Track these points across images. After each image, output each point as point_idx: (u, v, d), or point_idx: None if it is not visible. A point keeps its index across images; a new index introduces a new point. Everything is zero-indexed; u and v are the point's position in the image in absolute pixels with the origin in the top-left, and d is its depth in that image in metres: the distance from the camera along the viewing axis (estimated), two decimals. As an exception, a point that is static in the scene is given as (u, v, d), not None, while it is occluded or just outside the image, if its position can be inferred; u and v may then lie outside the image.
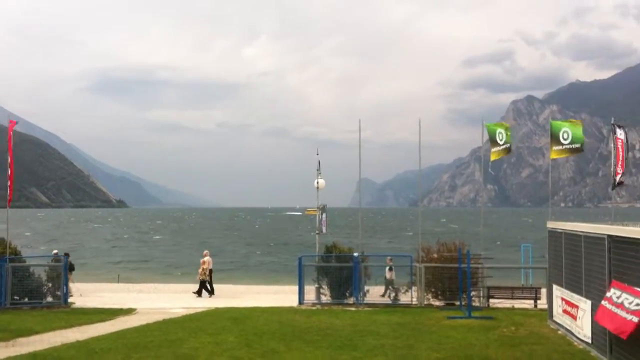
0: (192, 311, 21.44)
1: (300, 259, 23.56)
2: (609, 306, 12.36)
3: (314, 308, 22.02)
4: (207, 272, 26.41)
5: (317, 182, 25.46)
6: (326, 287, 23.14)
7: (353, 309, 21.73)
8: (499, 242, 76.93)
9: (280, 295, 26.21)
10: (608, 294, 12.59)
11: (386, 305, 22.14)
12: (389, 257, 25.03)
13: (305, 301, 22.87)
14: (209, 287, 26.46)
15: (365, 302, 22.39)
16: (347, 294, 22.87)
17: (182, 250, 71.73)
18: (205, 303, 23.87)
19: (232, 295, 26.99)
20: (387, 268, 23.52)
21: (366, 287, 22.91)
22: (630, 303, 11.55)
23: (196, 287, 26.62)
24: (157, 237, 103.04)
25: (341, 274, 22.78)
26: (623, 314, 11.66)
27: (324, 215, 25.70)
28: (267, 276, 43.55)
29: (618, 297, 12.04)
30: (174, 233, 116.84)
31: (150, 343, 15.48)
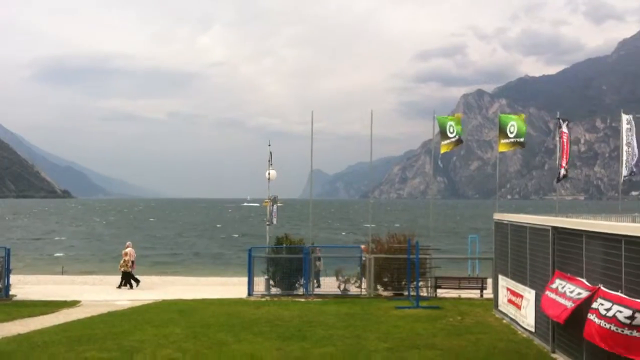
0: (137, 303, 21.07)
1: (250, 250, 23.40)
2: (552, 295, 12.62)
3: (263, 299, 21.90)
4: (130, 264, 25.93)
5: (269, 173, 25.29)
6: (276, 279, 23.05)
7: (302, 300, 21.70)
8: (447, 234, 78.10)
9: (229, 287, 26.00)
10: (553, 285, 12.84)
11: (336, 296, 22.18)
12: (317, 247, 24.82)
13: (254, 292, 22.73)
14: (132, 279, 26.02)
15: (315, 293, 22.38)
16: (297, 285, 22.83)
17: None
18: (140, 295, 23.48)
19: (180, 287, 26.66)
20: (316, 258, 23.34)
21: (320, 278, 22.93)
22: (571, 292, 11.81)
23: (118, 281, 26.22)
24: (103, 228, 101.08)
25: (291, 265, 22.72)
26: (562, 300, 11.94)
27: (274, 206, 25.57)
28: (216, 268, 43.15)
29: (562, 287, 12.29)
30: (121, 223, 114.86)
31: (94, 336, 15.13)
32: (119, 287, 25.71)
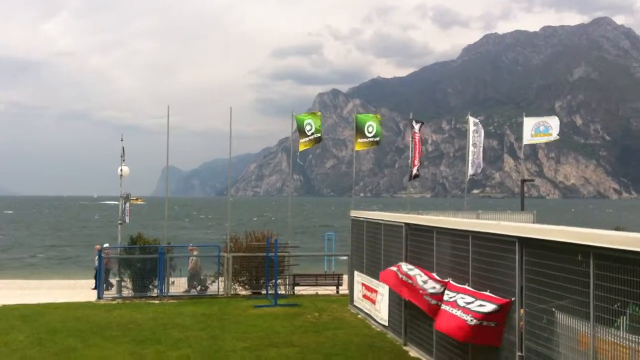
0: (-27, 311, 19.30)
1: (100, 250, 22.25)
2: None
3: (114, 302, 20.89)
4: None
5: (121, 170, 24.19)
6: (128, 280, 22.09)
7: (157, 301, 20.95)
8: (304, 231, 79.23)
9: (77, 290, 24.58)
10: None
11: (192, 297, 21.65)
12: (191, 245, 24.19)
13: (105, 295, 21.65)
14: None
15: (170, 294, 21.71)
16: (151, 287, 22.02)
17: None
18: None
19: (21, 292, 24.78)
20: (190, 258, 22.79)
21: (171, 279, 22.23)
22: (425, 283, 12.25)
23: None
24: None
25: (145, 265, 21.86)
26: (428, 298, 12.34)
27: (127, 204, 24.52)
28: (63, 270, 40.71)
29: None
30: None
31: None
32: None
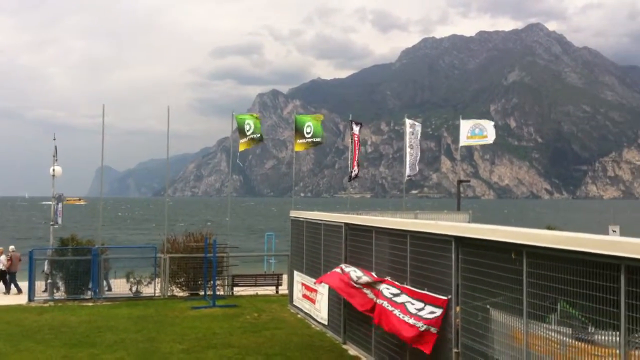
0: None
1: (31, 252, 21.49)
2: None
3: (46, 305, 20.23)
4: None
5: (54, 170, 23.44)
6: (61, 282, 21.43)
7: (91, 304, 20.41)
8: (244, 231, 78.74)
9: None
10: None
11: (127, 299, 21.18)
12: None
13: (36, 298, 20.95)
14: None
15: (104, 296, 21.18)
16: (85, 289, 21.42)
17: None
18: None
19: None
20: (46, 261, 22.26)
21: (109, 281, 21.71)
22: (359, 277, 12.34)
23: None
24: None
25: (78, 267, 21.25)
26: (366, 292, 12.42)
27: (59, 205, 23.78)
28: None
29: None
30: None
31: None
32: None
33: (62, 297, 21.11)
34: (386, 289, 10.99)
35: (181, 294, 22.14)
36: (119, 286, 21.81)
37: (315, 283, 15.30)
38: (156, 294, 21.58)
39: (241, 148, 23.57)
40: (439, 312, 9.57)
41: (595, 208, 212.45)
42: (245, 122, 23.25)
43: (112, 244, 34.86)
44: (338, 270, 13.11)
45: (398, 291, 10.68)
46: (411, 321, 9.88)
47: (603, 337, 6.47)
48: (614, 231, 26.93)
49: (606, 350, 6.41)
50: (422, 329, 9.58)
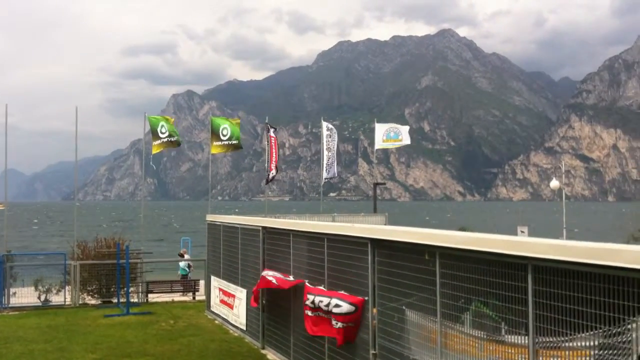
0: None
1: None
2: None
3: (-54, 317, 19.08)
4: None
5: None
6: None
7: (-4, 314, 19.42)
8: (158, 236, 77.11)
9: None
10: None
11: (36, 308, 20.27)
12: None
13: None
14: None
15: (10, 305, 20.18)
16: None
17: None
18: None
19: None
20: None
21: (12, 290, 20.67)
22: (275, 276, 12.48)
23: None
24: None
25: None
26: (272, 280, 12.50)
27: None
28: None
29: (269, 275, 12.77)
30: None
31: None
32: None
33: (-37, 309, 19.98)
34: (308, 299, 11.00)
35: (93, 301, 21.41)
36: (27, 295, 20.83)
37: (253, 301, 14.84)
38: (66, 303, 20.77)
39: (155, 150, 23.07)
40: (353, 309, 9.69)
41: (505, 210, 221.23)
42: (160, 124, 22.77)
43: (20, 250, 33.29)
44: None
45: (313, 296, 10.72)
46: (321, 315, 10.08)
47: (514, 336, 6.70)
48: (522, 232, 28.08)
49: (517, 348, 6.64)
50: (338, 325, 9.74)
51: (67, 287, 21.01)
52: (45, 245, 63.58)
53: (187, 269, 24.19)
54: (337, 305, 9.87)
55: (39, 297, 20.88)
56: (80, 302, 21.11)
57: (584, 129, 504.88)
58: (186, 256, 23.59)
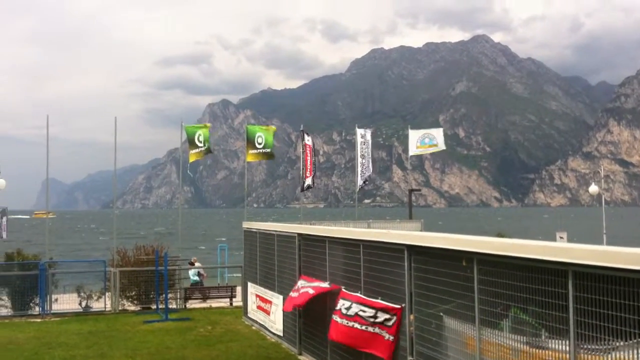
0: None
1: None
2: (294, 294, 13.10)
3: (-9, 323, 19.58)
4: None
5: (-3, 182, 22.79)
6: (6, 299, 20.78)
7: (39, 320, 19.86)
8: (196, 243, 77.84)
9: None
10: (296, 286, 13.35)
11: (77, 314, 20.67)
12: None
13: (-20, 316, 20.26)
14: None
15: (52, 312, 20.62)
16: (32, 305, 20.83)
17: None
18: None
19: None
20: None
21: (54, 296, 21.14)
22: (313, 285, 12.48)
23: None
24: None
25: (24, 283, 20.65)
26: (305, 291, 12.52)
27: (4, 219, 23.11)
28: None
29: (305, 285, 12.82)
30: None
31: None
32: None
33: (8, 314, 20.47)
34: (342, 305, 10.99)
35: (133, 308, 21.75)
36: (68, 301, 21.27)
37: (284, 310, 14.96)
38: (107, 309, 21.14)
39: (191, 159, 23.38)
40: (393, 319, 9.66)
41: (543, 215, 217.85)
42: (196, 133, 23.10)
43: (62, 257, 33.99)
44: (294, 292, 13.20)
45: (350, 303, 10.71)
46: (357, 326, 9.97)
47: (554, 343, 6.63)
48: (561, 237, 27.69)
49: (557, 355, 6.57)
50: (373, 331, 9.70)
51: (107, 294, 21.39)
52: (86, 253, 64.75)
53: (197, 277, 24.26)
54: (372, 316, 9.87)
55: (80, 304, 21.29)
56: (120, 308, 21.46)
57: (623, 133, 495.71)
58: (197, 264, 23.71)
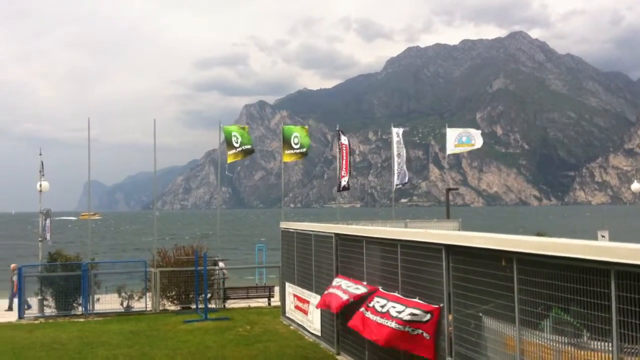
0: None
1: (20, 269, 21.36)
2: (332, 290, 13.08)
3: (36, 322, 20.09)
4: None
5: (40, 185, 23.33)
6: (50, 298, 21.30)
7: (82, 319, 20.30)
8: (234, 243, 78.48)
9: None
10: (334, 283, 13.36)
11: (118, 314, 21.06)
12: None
13: (26, 315, 20.79)
14: None
15: (95, 311, 21.05)
16: (75, 305, 21.29)
17: None
18: None
19: None
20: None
21: (96, 296, 21.57)
22: (349, 287, 12.42)
23: None
24: None
25: (68, 283, 21.12)
26: (340, 294, 12.47)
27: (48, 220, 23.64)
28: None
29: (344, 285, 12.81)
30: None
31: None
32: None
33: (53, 314, 20.97)
34: (377, 302, 10.96)
35: (173, 307, 22.06)
36: (110, 301, 21.68)
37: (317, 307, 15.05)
38: (147, 309, 21.49)
39: (230, 160, 23.55)
40: (427, 317, 9.59)
41: (584, 214, 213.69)
42: (233, 134, 23.26)
43: (103, 258, 34.65)
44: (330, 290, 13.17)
45: (385, 301, 10.68)
46: (392, 325, 9.90)
47: (596, 343, 6.52)
48: (602, 236, 27.15)
49: (600, 355, 6.46)
50: (404, 329, 9.63)
51: (147, 294, 21.73)
52: (127, 253, 65.84)
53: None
54: (401, 311, 9.84)
55: (121, 304, 21.69)
56: (161, 308, 21.79)
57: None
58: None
